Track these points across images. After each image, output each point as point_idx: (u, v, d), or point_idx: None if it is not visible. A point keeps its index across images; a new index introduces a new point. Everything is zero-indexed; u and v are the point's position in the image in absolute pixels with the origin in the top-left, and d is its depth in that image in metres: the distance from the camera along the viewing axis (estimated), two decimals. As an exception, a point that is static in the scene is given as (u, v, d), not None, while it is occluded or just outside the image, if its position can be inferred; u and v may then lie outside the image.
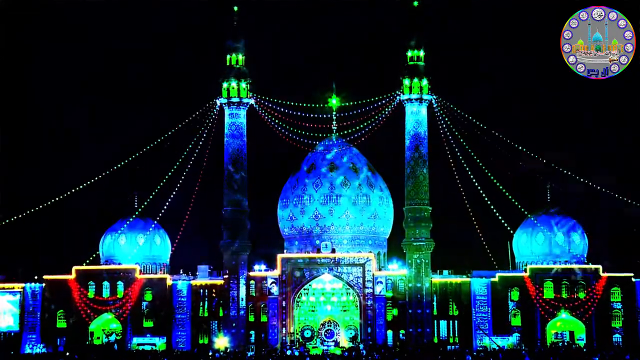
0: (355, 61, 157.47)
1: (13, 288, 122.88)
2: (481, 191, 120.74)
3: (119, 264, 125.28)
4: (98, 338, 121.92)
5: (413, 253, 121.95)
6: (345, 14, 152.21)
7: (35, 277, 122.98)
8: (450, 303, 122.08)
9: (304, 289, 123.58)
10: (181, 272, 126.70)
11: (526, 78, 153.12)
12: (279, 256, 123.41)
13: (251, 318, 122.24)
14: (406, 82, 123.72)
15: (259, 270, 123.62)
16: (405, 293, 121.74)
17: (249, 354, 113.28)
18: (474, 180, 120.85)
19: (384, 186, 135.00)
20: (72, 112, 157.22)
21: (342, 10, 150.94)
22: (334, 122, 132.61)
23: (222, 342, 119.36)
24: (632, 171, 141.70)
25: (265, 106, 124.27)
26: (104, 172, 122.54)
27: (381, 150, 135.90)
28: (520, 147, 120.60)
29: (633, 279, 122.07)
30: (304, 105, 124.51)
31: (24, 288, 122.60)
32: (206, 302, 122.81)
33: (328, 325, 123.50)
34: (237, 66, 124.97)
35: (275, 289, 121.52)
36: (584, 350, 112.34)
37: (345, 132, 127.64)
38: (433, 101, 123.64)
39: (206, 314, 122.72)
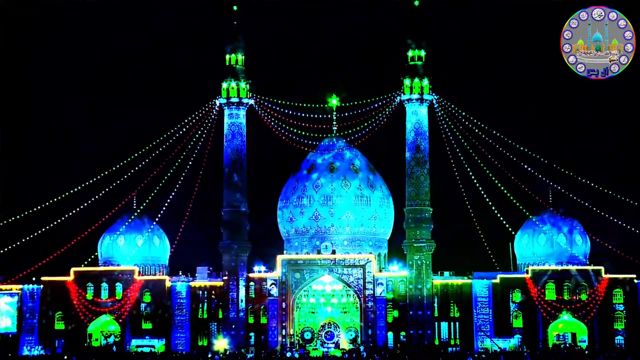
0: (355, 61, 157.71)
1: (11, 289, 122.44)
2: (482, 192, 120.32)
3: (118, 265, 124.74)
4: (96, 340, 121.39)
5: (414, 254, 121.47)
6: (345, 14, 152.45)
7: (33, 279, 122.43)
8: (452, 305, 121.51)
9: (304, 291, 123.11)
10: (180, 273, 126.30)
11: (526, 78, 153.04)
12: (279, 257, 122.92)
13: (251, 320, 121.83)
14: (407, 82, 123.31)
15: (259, 271, 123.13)
16: (406, 294, 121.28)
17: (249, 355, 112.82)
18: (475, 181, 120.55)
19: (384, 187, 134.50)
20: (72, 112, 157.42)
21: (342, 10, 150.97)
22: (334, 123, 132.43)
23: (221, 344, 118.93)
24: (632, 171, 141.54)
25: (264, 106, 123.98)
26: (104, 172, 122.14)
27: (381, 150, 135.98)
28: (521, 148, 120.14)
29: (635, 281, 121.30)
30: (304, 105, 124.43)
31: (21, 289, 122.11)
32: (205, 304, 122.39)
33: (328, 327, 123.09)
34: (237, 66, 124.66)
35: (275, 291, 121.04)
36: (586, 352, 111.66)
37: (346, 132, 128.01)
38: (434, 101, 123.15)
39: (205, 316, 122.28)
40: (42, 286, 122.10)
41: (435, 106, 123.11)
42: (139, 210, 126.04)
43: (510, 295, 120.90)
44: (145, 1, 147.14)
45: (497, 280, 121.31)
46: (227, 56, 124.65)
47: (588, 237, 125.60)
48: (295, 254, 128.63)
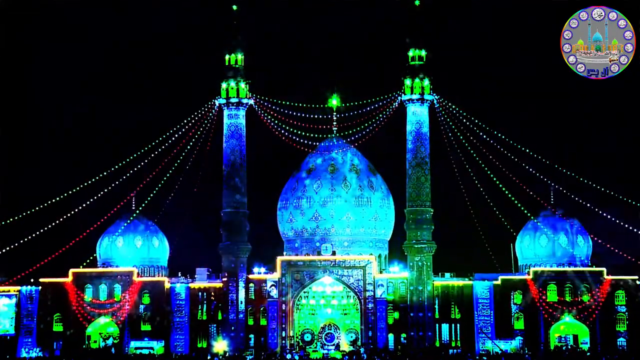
0: (355, 61, 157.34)
1: (9, 291, 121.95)
2: (483, 192, 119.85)
3: (117, 266, 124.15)
4: (95, 342, 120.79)
5: (414, 255, 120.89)
6: (346, 13, 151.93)
7: (32, 280, 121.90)
8: (452, 306, 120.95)
9: (304, 292, 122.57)
10: (179, 274, 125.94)
11: (526, 78, 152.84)
12: (279, 259, 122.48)
13: (250, 321, 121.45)
14: (407, 82, 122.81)
15: (259, 272, 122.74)
16: (406, 296, 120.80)
17: (249, 357, 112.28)
18: (476, 182, 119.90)
19: (385, 187, 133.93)
20: (71, 112, 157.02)
21: (342, 10, 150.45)
22: (335, 123, 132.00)
23: (221, 345, 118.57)
24: (632, 171, 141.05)
25: (264, 106, 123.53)
26: (102, 173, 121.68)
27: (382, 151, 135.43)
28: (522, 148, 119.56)
29: (637, 282, 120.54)
30: (304, 105, 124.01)
31: (20, 291, 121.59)
32: (205, 305, 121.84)
33: (328, 329, 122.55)
34: (237, 66, 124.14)
35: (274, 292, 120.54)
36: (588, 354, 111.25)
37: (346, 132, 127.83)
38: (435, 101, 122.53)
39: (205, 317, 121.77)
40: (40, 287, 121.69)
41: (436, 106, 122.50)
42: (137, 211, 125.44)
43: (512, 297, 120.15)
44: (145, 1, 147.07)
45: (499, 282, 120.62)
46: (227, 56, 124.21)
47: (590, 238, 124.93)
48: (295, 255, 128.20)
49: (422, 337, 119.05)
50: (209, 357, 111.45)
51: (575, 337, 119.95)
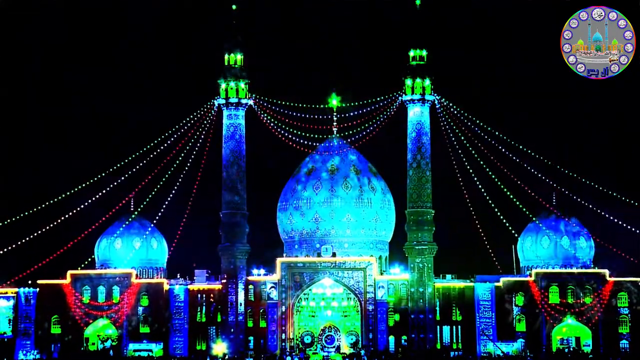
0: (356, 61, 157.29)
1: (6, 293, 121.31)
2: (485, 193, 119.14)
3: (115, 268, 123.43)
4: (93, 344, 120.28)
5: (415, 257, 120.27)
6: (346, 13, 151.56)
7: (29, 282, 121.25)
8: (454, 308, 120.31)
9: (304, 294, 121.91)
10: (178, 276, 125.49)
11: (526, 78, 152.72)
12: (279, 260, 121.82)
13: (250, 323, 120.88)
14: (408, 82, 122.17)
15: (258, 274, 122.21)
16: (407, 298, 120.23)
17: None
18: (477, 182, 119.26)
19: (385, 188, 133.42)
20: (71, 112, 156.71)
21: (342, 10, 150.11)
22: (335, 123, 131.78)
23: (220, 348, 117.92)
24: (633, 172, 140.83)
25: (264, 107, 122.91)
26: (101, 173, 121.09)
27: (383, 151, 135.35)
28: (524, 149, 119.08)
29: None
30: (304, 106, 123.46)
31: (17, 292, 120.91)
32: (204, 307, 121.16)
33: (328, 331, 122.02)
34: (236, 66, 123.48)
35: (274, 294, 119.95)
36: (590, 356, 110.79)
37: (346, 133, 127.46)
38: (436, 102, 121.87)
39: (204, 320, 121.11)
40: (38, 289, 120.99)
41: (437, 106, 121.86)
42: (136, 212, 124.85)
43: (514, 299, 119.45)
44: (145, 1, 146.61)
45: (500, 284, 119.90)
46: (226, 56, 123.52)
47: (592, 240, 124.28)
48: (295, 257, 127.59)
49: (423, 339, 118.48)
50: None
51: (578, 340, 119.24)
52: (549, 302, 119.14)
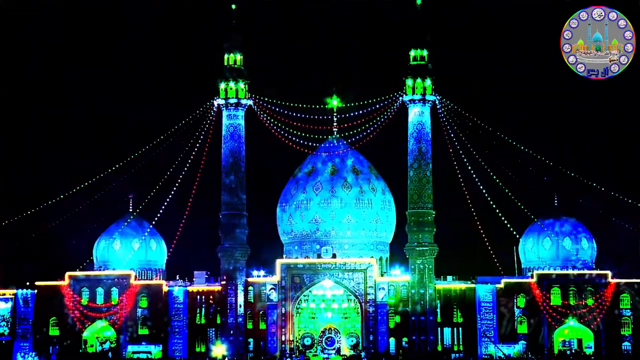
0: (356, 61, 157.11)
1: (4, 294, 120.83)
2: (486, 194, 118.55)
3: (114, 269, 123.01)
4: (92, 346, 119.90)
5: (416, 258, 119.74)
6: (346, 13, 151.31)
7: (27, 283, 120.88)
8: (455, 310, 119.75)
9: (304, 296, 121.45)
10: (177, 277, 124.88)
11: (526, 78, 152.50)
12: (278, 261, 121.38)
13: (249, 325, 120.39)
14: (409, 82, 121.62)
15: (258, 275, 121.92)
16: (408, 299, 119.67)
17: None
18: (478, 183, 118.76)
19: (386, 189, 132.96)
20: (71, 112, 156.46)
21: (343, 9, 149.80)
22: (335, 124, 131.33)
23: (219, 350, 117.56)
24: (633, 172, 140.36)
25: (264, 107, 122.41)
26: (99, 174, 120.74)
27: (383, 152, 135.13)
28: (526, 150, 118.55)
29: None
30: (304, 106, 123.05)
31: (15, 294, 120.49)
32: (203, 309, 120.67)
33: (329, 333, 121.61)
34: (235, 66, 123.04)
35: (274, 295, 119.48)
36: (592, 358, 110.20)
37: (346, 133, 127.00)
38: (437, 102, 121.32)
39: (203, 321, 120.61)
40: (36, 291, 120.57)
41: (438, 107, 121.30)
42: (135, 213, 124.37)
43: (515, 300, 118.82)
44: (145, 1, 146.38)
45: (502, 285, 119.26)
46: (226, 56, 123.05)
47: (594, 241, 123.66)
48: (295, 258, 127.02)
49: (423, 341, 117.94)
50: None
51: (580, 341, 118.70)
52: (551, 304, 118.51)
